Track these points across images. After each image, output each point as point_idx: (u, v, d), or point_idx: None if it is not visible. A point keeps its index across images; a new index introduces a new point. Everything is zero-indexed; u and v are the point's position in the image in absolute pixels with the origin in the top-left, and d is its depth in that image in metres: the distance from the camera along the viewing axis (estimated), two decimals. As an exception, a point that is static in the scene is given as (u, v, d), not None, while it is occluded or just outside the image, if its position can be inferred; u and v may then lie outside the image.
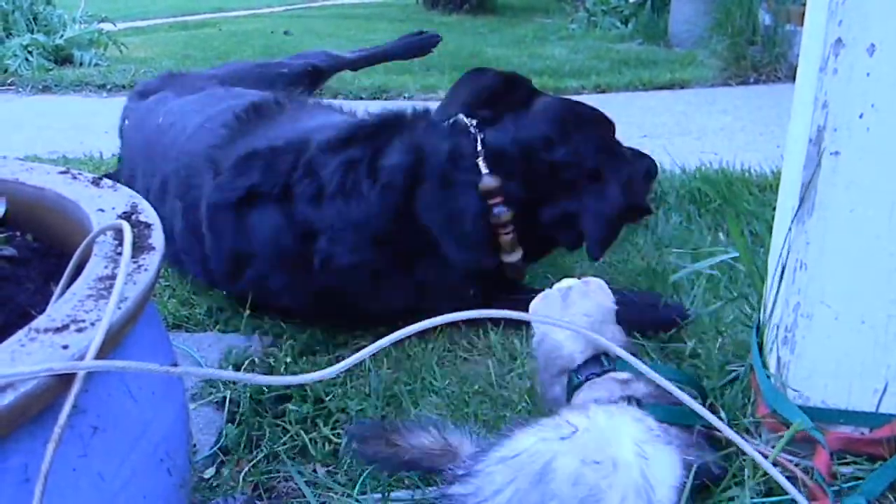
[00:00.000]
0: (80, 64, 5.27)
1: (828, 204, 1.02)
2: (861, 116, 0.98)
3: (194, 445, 1.35)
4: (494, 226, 1.59)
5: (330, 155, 1.61)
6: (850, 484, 1.06)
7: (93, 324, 0.79)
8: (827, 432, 1.08)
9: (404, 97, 4.40)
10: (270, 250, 1.61)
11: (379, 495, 1.18)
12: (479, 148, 1.58)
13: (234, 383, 1.46)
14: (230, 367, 1.52)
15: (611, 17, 6.80)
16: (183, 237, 1.76)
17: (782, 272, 1.08)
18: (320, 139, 1.66)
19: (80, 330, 0.78)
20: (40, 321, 0.79)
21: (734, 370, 1.29)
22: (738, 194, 2.28)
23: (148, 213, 1.05)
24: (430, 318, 0.98)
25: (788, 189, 1.09)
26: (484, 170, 1.57)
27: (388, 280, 1.60)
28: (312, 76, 2.87)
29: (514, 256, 1.63)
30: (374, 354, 1.45)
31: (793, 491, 0.98)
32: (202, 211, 1.69)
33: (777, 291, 1.10)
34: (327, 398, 1.42)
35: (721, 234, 2.05)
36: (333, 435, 1.34)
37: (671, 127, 3.38)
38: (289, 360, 1.54)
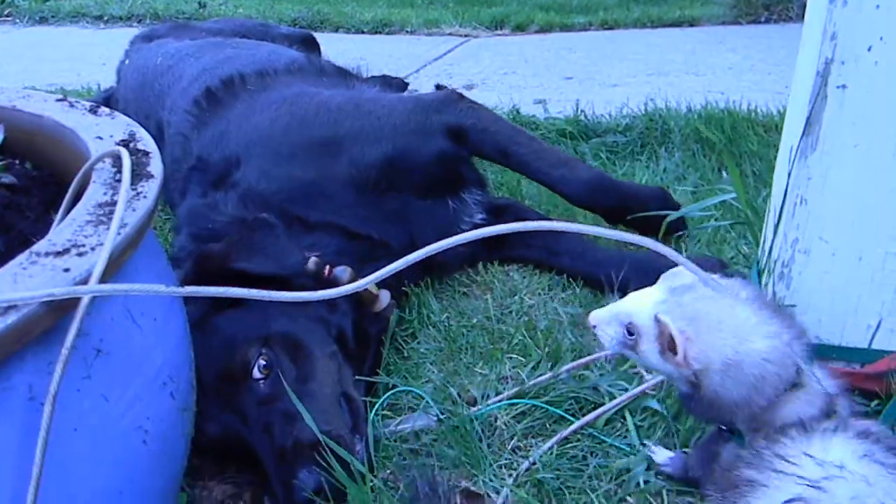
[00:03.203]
0: (77, -5, 5.18)
1: (832, 138, 1.01)
2: (869, 49, 0.96)
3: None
4: None
5: None
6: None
7: (93, 248, 0.80)
8: (820, 367, 1.09)
9: (406, 31, 4.32)
10: None
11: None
12: None
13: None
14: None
15: (620, -49, 6.61)
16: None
17: (782, 208, 1.08)
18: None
19: (80, 254, 0.79)
20: (41, 245, 0.80)
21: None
22: (742, 134, 2.25)
23: (146, 142, 1.05)
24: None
25: (793, 123, 1.08)
26: None
27: None
28: (310, 42, 2.82)
29: None
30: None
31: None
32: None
33: (776, 227, 1.10)
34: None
35: (724, 173, 2.04)
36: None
37: (679, 65, 3.32)
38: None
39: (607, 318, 0.91)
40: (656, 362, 0.87)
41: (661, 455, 1.06)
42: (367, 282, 0.94)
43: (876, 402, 1.09)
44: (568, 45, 3.85)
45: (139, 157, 1.01)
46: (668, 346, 0.84)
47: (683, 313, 0.84)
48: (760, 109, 2.43)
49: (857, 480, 0.74)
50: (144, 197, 0.91)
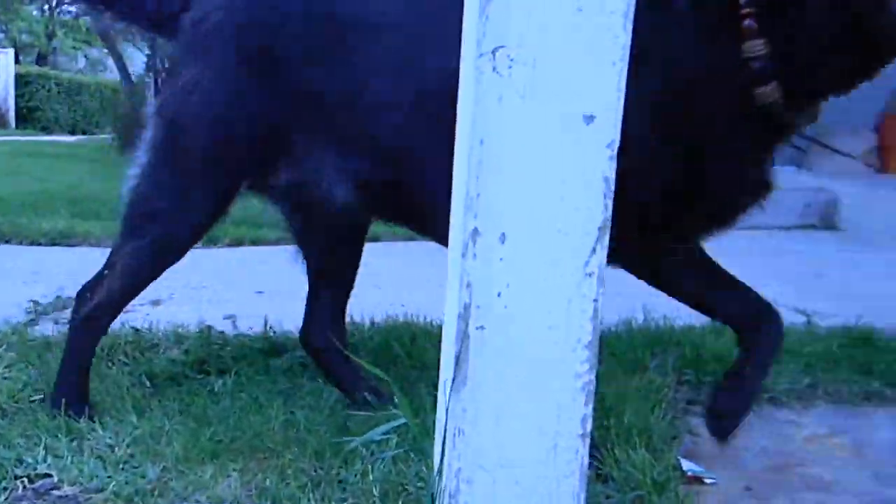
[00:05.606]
0: None
1: (478, 374, 1.12)
2: (499, 295, 1.11)
3: None
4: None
5: None
6: None
7: None
8: None
9: (90, 244, 4.10)
10: None
11: None
12: None
13: None
14: None
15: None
16: None
17: (444, 438, 1.15)
18: None
19: None
20: None
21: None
22: (422, 347, 2.40)
23: None
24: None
25: (446, 359, 1.18)
26: None
27: None
28: None
29: (756, 46, 1.39)
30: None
31: None
32: None
33: (441, 457, 1.16)
34: None
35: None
36: None
37: (363, 278, 3.52)
38: None
39: None
40: None
41: None
42: None
43: None
44: (260, 258, 3.92)
45: None
46: None
47: None
48: (435, 322, 2.63)
49: None
50: None
